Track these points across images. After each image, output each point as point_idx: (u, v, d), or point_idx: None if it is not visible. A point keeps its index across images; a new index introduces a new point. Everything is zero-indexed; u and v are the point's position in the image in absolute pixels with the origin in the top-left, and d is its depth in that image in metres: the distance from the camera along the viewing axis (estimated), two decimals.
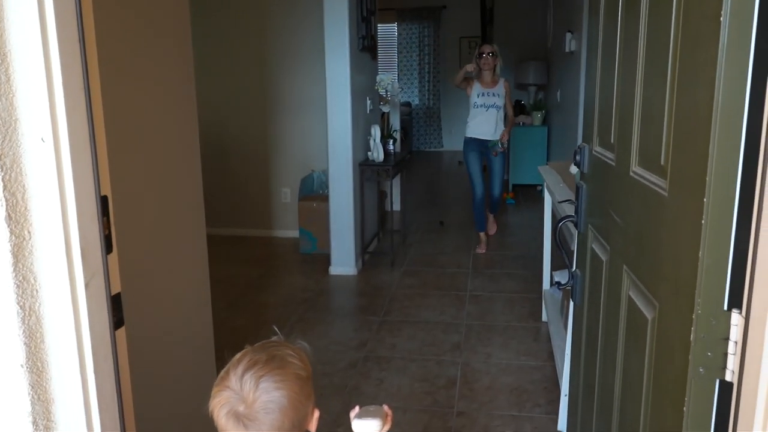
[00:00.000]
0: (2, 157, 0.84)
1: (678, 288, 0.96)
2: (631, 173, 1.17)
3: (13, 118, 0.87)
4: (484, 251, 4.77)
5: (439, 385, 2.79)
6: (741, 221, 0.82)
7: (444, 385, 2.79)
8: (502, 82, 4.72)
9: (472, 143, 4.77)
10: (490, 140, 4.69)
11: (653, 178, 1.05)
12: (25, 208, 0.86)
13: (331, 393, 2.70)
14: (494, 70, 4.68)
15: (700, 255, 0.86)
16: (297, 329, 3.43)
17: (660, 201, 1.02)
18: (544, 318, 3.43)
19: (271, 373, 0.91)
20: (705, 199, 0.82)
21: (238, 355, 0.94)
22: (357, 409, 1.07)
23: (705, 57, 0.82)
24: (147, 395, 1.39)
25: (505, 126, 4.79)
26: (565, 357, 2.35)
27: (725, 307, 0.87)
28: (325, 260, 4.43)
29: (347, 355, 3.09)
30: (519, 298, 3.83)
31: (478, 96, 4.71)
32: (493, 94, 4.70)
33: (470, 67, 4.73)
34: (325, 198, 4.59)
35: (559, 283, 2.63)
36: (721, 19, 0.76)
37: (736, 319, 0.87)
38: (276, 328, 1.05)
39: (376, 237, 5.06)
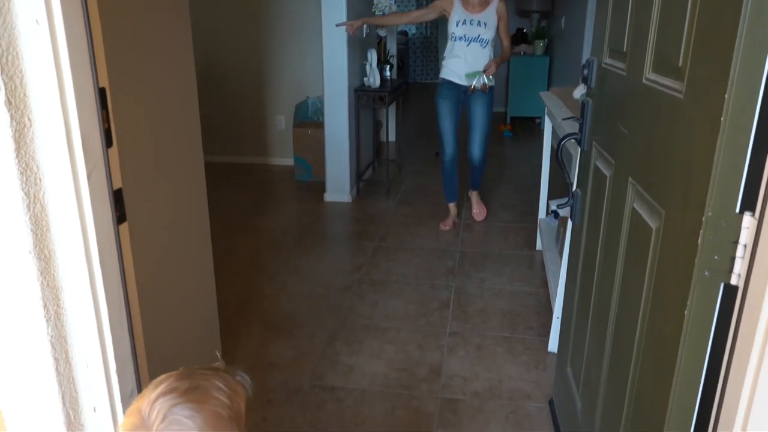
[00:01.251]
0: None
1: (688, 193, 0.95)
2: (644, 80, 1.15)
3: None
4: (449, 228, 3.78)
5: (433, 308, 2.84)
6: (762, 120, 0.81)
7: (437, 307, 2.85)
8: (494, 5, 3.47)
9: (446, 87, 3.63)
10: (469, 86, 3.56)
11: (668, 82, 1.03)
12: (24, 93, 0.83)
13: (327, 312, 2.75)
14: None
15: (714, 157, 0.85)
16: (293, 253, 3.45)
17: (675, 105, 1.00)
18: (539, 247, 3.47)
19: (184, 405, 0.77)
20: (726, 95, 0.80)
21: (160, 377, 0.81)
22: None
23: None
24: (150, 294, 1.40)
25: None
26: (560, 280, 2.38)
27: (737, 210, 0.87)
28: (321, 188, 4.42)
29: (343, 278, 3.13)
30: (514, 228, 3.86)
31: (457, 24, 3.50)
32: (479, 23, 3.46)
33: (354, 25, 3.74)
34: (320, 125, 4.52)
35: (555, 212, 2.64)
36: None
37: (747, 221, 0.86)
38: (218, 353, 0.93)
39: (372, 166, 5.03)
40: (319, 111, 4.78)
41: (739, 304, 0.89)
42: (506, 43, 3.60)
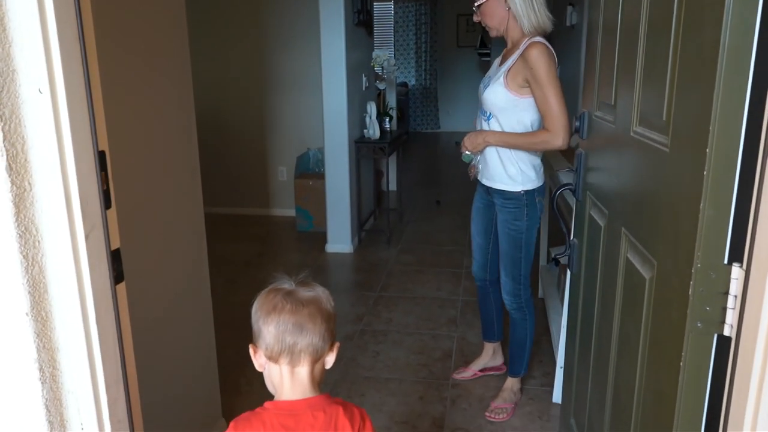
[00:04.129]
0: (1, 107, 0.83)
1: (677, 244, 0.96)
2: (632, 133, 1.18)
3: (11, 69, 0.86)
4: (469, 376, 2.63)
5: (435, 358, 2.81)
6: (744, 173, 0.82)
7: (440, 357, 2.81)
8: (519, 51, 2.06)
9: (479, 180, 2.36)
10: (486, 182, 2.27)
11: (654, 135, 1.06)
12: (25, 159, 0.86)
13: None
14: (506, 28, 2.11)
15: (701, 208, 0.87)
16: None
17: (661, 158, 1.02)
18: (540, 294, 3.45)
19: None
20: (707, 150, 0.82)
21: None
22: None
23: (711, 1, 0.81)
24: (147, 353, 1.40)
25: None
26: (561, 328, 2.37)
27: (725, 261, 0.88)
28: (322, 238, 4.44)
29: (344, 329, 3.11)
30: None
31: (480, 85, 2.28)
32: (489, 85, 2.17)
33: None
34: (321, 176, 4.58)
35: (556, 260, 2.64)
36: None
37: (736, 272, 0.87)
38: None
39: (373, 215, 5.07)
40: (321, 162, 4.85)
41: (732, 355, 0.89)
42: (545, 119, 2.04)
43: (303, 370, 1.07)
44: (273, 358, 1.06)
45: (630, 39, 1.19)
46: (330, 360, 1.11)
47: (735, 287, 0.87)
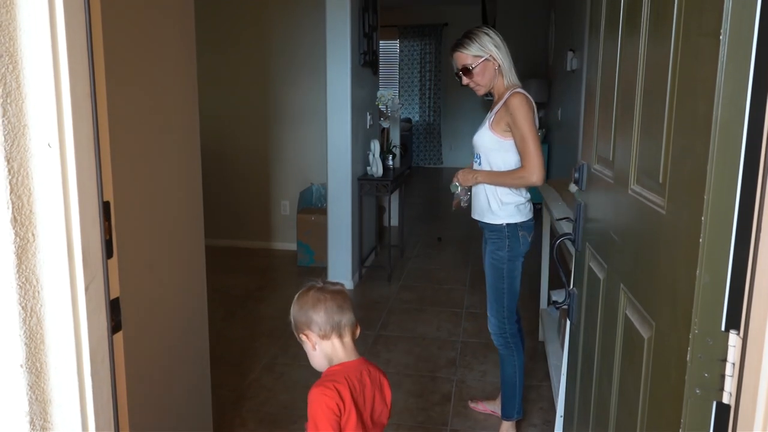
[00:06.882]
0: (10, 161, 0.85)
1: (675, 307, 0.96)
2: (630, 191, 1.18)
3: (22, 124, 0.87)
4: (480, 409, 2.70)
5: (434, 402, 2.77)
6: (739, 240, 0.83)
7: (438, 401, 2.78)
8: (501, 102, 2.30)
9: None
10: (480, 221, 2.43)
11: (651, 195, 1.06)
12: (30, 211, 0.87)
13: None
14: (489, 87, 2.37)
15: (697, 274, 0.87)
16: (292, 340, 3.41)
17: (658, 219, 1.02)
18: (541, 337, 3.42)
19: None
20: (703, 218, 0.83)
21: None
22: None
23: (704, 74, 0.83)
24: (141, 400, 1.39)
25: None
26: (561, 376, 2.34)
27: (723, 328, 0.87)
28: (323, 273, 4.43)
29: None
30: None
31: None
32: (479, 133, 2.39)
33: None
34: (323, 211, 4.60)
35: (556, 303, 2.62)
36: (721, 36, 0.77)
37: (733, 339, 0.87)
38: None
39: (374, 251, 5.07)
40: (323, 197, 4.87)
41: (732, 424, 0.88)
42: (522, 159, 2.25)
43: (348, 340, 1.46)
44: (326, 336, 1.44)
45: (627, 101, 1.21)
46: (357, 331, 1.50)
47: (732, 355, 0.87)
